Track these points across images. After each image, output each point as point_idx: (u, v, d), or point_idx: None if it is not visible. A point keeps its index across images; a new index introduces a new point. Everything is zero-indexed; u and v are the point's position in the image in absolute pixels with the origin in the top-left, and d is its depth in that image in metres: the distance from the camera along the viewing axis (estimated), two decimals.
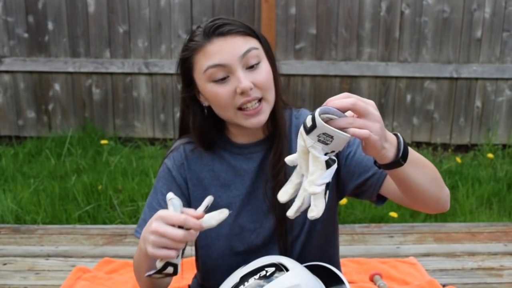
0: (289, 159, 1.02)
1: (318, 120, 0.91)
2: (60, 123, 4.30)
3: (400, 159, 1.01)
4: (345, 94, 0.95)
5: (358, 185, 1.24)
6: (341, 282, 1.16)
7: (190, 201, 1.29)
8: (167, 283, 1.24)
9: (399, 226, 2.68)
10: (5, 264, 2.23)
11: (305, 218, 1.27)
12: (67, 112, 4.29)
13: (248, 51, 1.15)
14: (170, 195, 1.05)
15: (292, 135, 1.28)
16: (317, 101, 4.22)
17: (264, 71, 1.17)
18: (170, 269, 1.02)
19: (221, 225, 1.23)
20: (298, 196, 0.99)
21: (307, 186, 0.95)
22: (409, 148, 1.03)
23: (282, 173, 1.22)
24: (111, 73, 4.21)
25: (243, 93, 1.15)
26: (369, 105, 0.94)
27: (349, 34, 4.14)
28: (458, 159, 3.96)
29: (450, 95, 4.24)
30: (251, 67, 1.16)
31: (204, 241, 1.30)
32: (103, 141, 4.07)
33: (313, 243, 1.30)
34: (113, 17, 4.14)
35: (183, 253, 1.04)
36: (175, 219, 0.99)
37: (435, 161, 4.00)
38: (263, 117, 1.19)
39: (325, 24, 4.13)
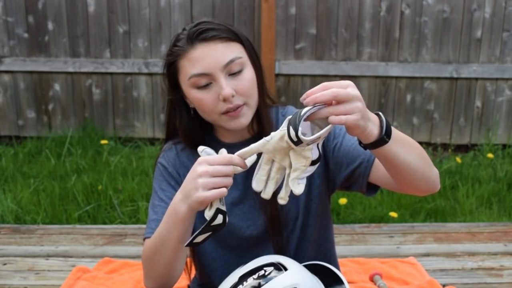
0: (240, 153, 1.03)
1: (302, 138, 0.94)
2: (60, 123, 4.30)
3: (384, 136, 1.01)
4: (323, 85, 0.96)
5: (347, 176, 1.25)
6: (340, 281, 1.16)
7: None
8: (180, 269, 1.22)
9: (399, 226, 2.68)
10: (5, 264, 2.23)
11: (298, 213, 1.29)
12: (67, 112, 4.29)
13: (231, 61, 1.17)
14: (201, 148, 1.08)
15: None
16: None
17: (247, 78, 1.19)
18: (219, 218, 1.03)
19: None
20: (284, 186, 1.02)
21: (291, 184, 0.98)
22: (393, 127, 1.04)
23: None
24: (111, 73, 4.21)
25: (225, 100, 1.17)
26: (349, 89, 0.95)
27: (349, 34, 4.14)
28: (458, 159, 3.96)
29: (450, 95, 4.24)
30: (233, 74, 1.18)
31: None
32: (103, 141, 4.07)
33: (308, 238, 1.32)
34: (113, 17, 4.14)
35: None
36: (220, 159, 1.02)
37: (435, 161, 4.00)
38: (244, 120, 1.21)
39: (325, 24, 4.13)
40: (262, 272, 1.07)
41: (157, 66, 4.18)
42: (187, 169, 1.27)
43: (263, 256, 1.16)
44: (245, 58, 1.19)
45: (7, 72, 4.21)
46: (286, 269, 1.07)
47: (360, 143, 1.05)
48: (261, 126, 1.26)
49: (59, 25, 4.15)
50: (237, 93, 1.17)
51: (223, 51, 1.16)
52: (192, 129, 1.29)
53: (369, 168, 1.21)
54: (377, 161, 1.19)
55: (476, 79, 4.20)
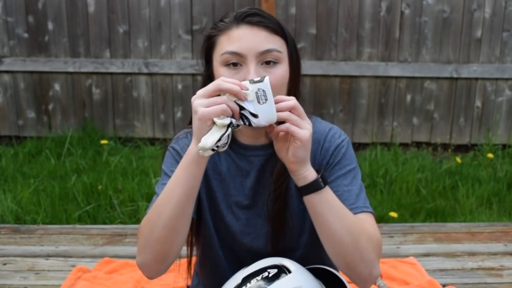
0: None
1: (267, 78, 1.03)
2: (60, 123, 4.30)
3: (320, 179, 1.07)
4: (291, 97, 1.06)
5: None
6: (343, 285, 1.16)
7: None
8: (178, 248, 1.16)
9: (399, 226, 2.68)
10: (5, 264, 2.23)
11: (302, 231, 1.26)
12: (67, 112, 4.29)
13: (268, 51, 1.14)
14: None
15: None
16: (317, 101, 4.22)
17: (278, 73, 1.15)
18: (228, 130, 1.04)
19: (217, 217, 1.26)
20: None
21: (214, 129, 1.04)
22: (330, 191, 1.10)
23: (284, 185, 1.22)
24: (111, 73, 4.21)
25: None
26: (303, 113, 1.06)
27: (349, 34, 4.14)
28: (458, 159, 3.96)
29: (450, 95, 4.24)
30: (267, 63, 1.14)
31: (206, 231, 1.30)
32: (103, 141, 4.07)
33: (310, 260, 1.28)
34: (113, 17, 4.14)
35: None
36: (210, 86, 1.04)
37: (435, 161, 4.00)
38: None
39: (325, 24, 4.13)
40: (265, 274, 1.07)
41: (157, 66, 4.17)
42: None
43: (267, 258, 1.16)
44: (284, 55, 1.17)
45: (7, 72, 4.21)
46: (289, 272, 1.07)
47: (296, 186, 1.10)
48: None
49: (59, 25, 4.15)
50: None
51: (264, 38, 1.14)
52: None
53: None
54: None
55: (476, 79, 4.20)
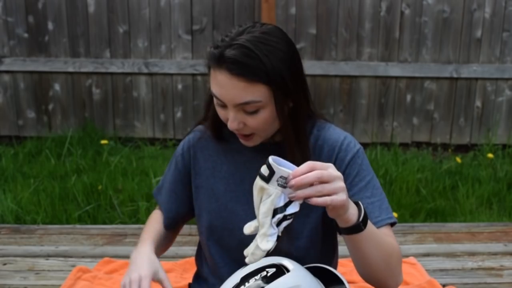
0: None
1: (274, 165, 0.97)
2: (60, 123, 4.30)
3: (361, 223, 1.07)
4: (308, 165, 0.99)
5: (335, 223, 1.21)
6: (341, 282, 1.16)
7: (191, 188, 1.34)
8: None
9: (399, 226, 2.67)
10: (5, 264, 2.23)
11: (301, 234, 1.26)
12: (67, 112, 4.29)
13: (246, 103, 1.11)
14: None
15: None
16: (317, 101, 4.22)
17: (260, 118, 1.14)
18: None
19: (215, 215, 1.29)
20: (253, 241, 1.06)
21: (259, 240, 1.02)
22: (369, 221, 1.10)
23: None
24: (111, 73, 4.21)
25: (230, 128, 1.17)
26: (330, 169, 1.00)
27: (349, 34, 4.14)
28: (458, 159, 3.96)
29: (450, 95, 4.24)
30: (246, 111, 1.14)
31: (202, 228, 1.34)
32: (103, 141, 4.07)
33: (307, 260, 1.27)
34: (113, 17, 4.14)
35: None
36: None
37: (435, 161, 4.00)
38: (252, 143, 1.21)
39: (325, 24, 4.13)
40: (264, 273, 1.07)
41: (157, 66, 4.17)
42: (197, 161, 1.33)
43: (266, 258, 1.16)
44: (265, 101, 1.13)
45: (7, 72, 4.21)
46: (288, 271, 1.07)
47: (336, 226, 1.10)
48: (284, 138, 1.21)
49: (59, 25, 4.15)
50: (246, 126, 1.16)
51: (242, 91, 1.10)
52: (218, 120, 1.24)
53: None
54: None
55: (476, 79, 4.20)
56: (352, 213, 1.05)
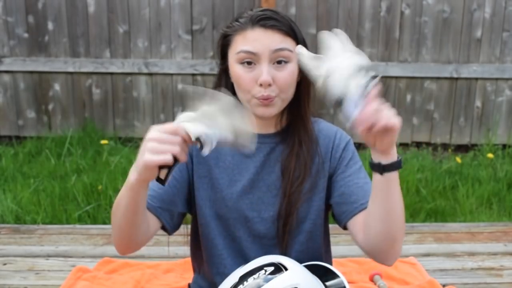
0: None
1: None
2: (60, 123, 4.30)
3: (401, 160, 1.11)
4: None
5: (335, 203, 1.31)
6: (337, 276, 1.16)
7: (193, 177, 1.33)
8: (141, 237, 1.28)
9: None
10: (5, 264, 2.23)
11: (305, 217, 1.30)
12: (67, 112, 4.30)
13: (281, 49, 1.21)
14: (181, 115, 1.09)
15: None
16: (317, 101, 4.21)
17: (288, 72, 1.23)
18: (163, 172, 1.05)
19: (219, 204, 1.30)
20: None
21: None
22: None
23: (296, 174, 1.30)
24: (111, 73, 4.22)
25: (261, 85, 1.21)
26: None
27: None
28: (458, 159, 3.96)
29: (450, 95, 4.24)
30: (278, 63, 1.22)
31: (203, 220, 1.33)
32: (103, 141, 4.07)
33: (310, 246, 1.35)
34: (113, 17, 4.14)
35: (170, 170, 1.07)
36: (168, 127, 1.04)
37: (435, 161, 4.00)
38: (273, 110, 1.25)
39: (325, 24, 4.13)
40: (262, 272, 1.07)
41: (157, 66, 4.18)
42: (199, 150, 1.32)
43: (264, 256, 1.16)
44: (294, 54, 1.22)
45: (7, 72, 4.21)
46: (286, 269, 1.07)
47: (375, 167, 1.11)
48: (289, 125, 1.32)
49: (59, 25, 4.15)
50: (274, 83, 1.22)
51: (277, 39, 1.22)
52: None
53: (355, 213, 1.26)
54: (363, 211, 1.24)
55: (476, 79, 4.20)
56: (395, 150, 1.09)
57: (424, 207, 3.22)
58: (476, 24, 4.12)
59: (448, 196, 3.40)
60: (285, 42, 1.22)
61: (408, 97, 4.24)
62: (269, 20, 1.22)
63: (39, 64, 4.18)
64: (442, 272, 2.18)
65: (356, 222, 1.24)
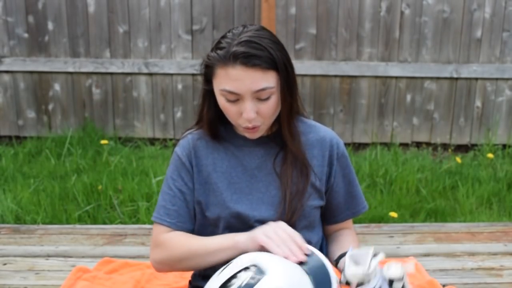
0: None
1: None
2: (60, 123, 4.30)
3: None
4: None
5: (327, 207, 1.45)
6: (313, 254, 1.16)
7: (194, 184, 1.37)
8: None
9: (399, 226, 2.67)
10: (5, 264, 2.23)
11: (307, 210, 1.36)
12: (67, 112, 4.30)
13: (263, 89, 1.22)
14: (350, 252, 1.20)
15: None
16: (317, 101, 4.22)
17: (271, 103, 1.25)
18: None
19: (220, 207, 1.34)
20: None
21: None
22: None
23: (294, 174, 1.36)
24: (111, 73, 4.22)
25: (246, 120, 1.26)
26: None
27: (349, 34, 4.14)
28: (458, 159, 3.96)
29: (450, 95, 4.24)
30: (260, 99, 1.24)
31: (205, 222, 1.37)
32: (103, 141, 4.07)
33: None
34: (113, 17, 4.14)
35: None
36: (303, 245, 1.16)
37: (435, 161, 4.00)
38: (259, 134, 1.32)
39: (325, 24, 4.13)
40: (240, 282, 1.05)
41: (157, 66, 4.18)
42: (199, 160, 1.37)
43: (241, 256, 1.15)
44: (276, 87, 1.25)
45: (7, 72, 4.21)
46: (265, 273, 1.05)
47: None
48: (279, 129, 1.35)
49: (59, 25, 4.15)
50: (259, 115, 1.25)
51: (259, 79, 1.21)
52: (215, 120, 1.36)
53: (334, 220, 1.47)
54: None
55: (476, 79, 4.20)
56: None
57: (424, 207, 3.22)
58: (476, 24, 4.12)
59: (448, 196, 3.40)
60: (266, 79, 1.22)
61: (408, 97, 4.24)
62: (250, 58, 1.19)
63: (39, 64, 4.19)
64: (442, 272, 2.18)
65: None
